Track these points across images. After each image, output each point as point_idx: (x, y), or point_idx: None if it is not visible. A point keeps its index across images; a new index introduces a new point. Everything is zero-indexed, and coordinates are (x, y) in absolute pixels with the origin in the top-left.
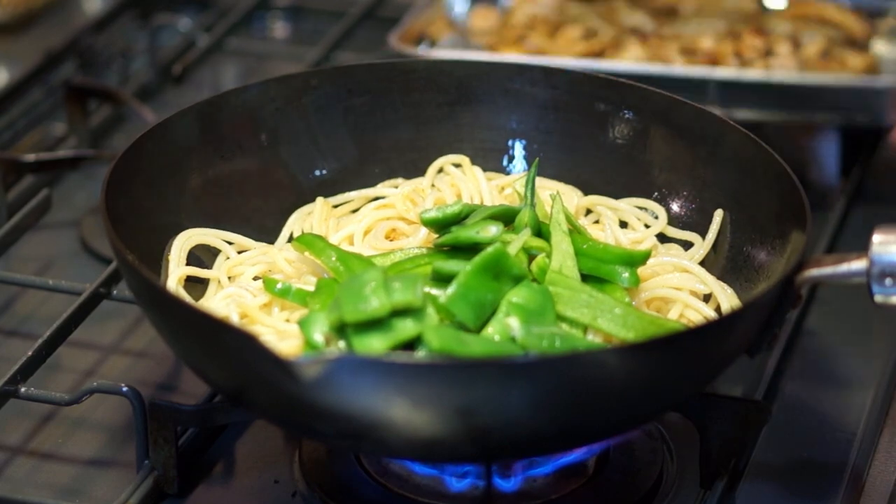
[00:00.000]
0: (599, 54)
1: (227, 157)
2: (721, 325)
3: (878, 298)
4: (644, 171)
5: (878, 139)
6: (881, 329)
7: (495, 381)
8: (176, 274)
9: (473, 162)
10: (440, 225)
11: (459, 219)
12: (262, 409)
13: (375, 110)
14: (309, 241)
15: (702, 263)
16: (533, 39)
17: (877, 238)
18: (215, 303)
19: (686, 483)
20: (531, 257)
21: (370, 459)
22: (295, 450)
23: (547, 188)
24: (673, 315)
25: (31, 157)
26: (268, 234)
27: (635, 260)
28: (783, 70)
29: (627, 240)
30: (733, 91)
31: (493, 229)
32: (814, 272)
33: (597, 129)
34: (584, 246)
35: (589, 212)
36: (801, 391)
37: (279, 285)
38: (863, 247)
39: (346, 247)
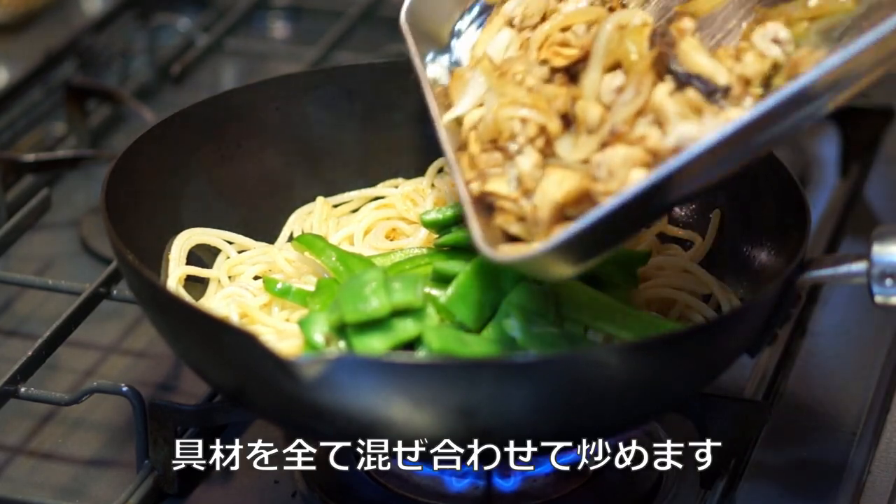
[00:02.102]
0: None
1: (227, 156)
2: (721, 325)
3: (879, 299)
4: None
5: (878, 138)
6: (881, 329)
7: (495, 381)
8: (176, 273)
9: None
10: (440, 226)
11: (459, 220)
12: (262, 409)
13: (375, 110)
14: (309, 241)
15: (702, 263)
16: None
17: (877, 238)
18: (215, 302)
19: (686, 483)
20: None
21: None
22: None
23: None
24: (673, 315)
25: (30, 156)
26: (268, 233)
27: (635, 260)
28: None
29: None
30: None
31: None
32: (814, 273)
33: None
34: None
35: None
36: (801, 391)
37: (279, 285)
38: (862, 248)
39: (346, 247)
